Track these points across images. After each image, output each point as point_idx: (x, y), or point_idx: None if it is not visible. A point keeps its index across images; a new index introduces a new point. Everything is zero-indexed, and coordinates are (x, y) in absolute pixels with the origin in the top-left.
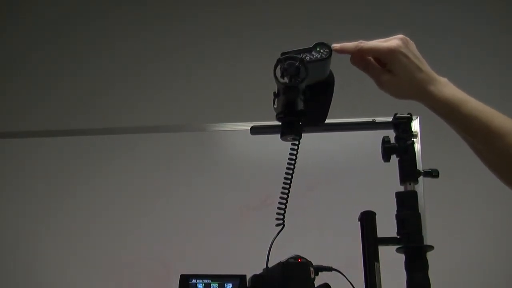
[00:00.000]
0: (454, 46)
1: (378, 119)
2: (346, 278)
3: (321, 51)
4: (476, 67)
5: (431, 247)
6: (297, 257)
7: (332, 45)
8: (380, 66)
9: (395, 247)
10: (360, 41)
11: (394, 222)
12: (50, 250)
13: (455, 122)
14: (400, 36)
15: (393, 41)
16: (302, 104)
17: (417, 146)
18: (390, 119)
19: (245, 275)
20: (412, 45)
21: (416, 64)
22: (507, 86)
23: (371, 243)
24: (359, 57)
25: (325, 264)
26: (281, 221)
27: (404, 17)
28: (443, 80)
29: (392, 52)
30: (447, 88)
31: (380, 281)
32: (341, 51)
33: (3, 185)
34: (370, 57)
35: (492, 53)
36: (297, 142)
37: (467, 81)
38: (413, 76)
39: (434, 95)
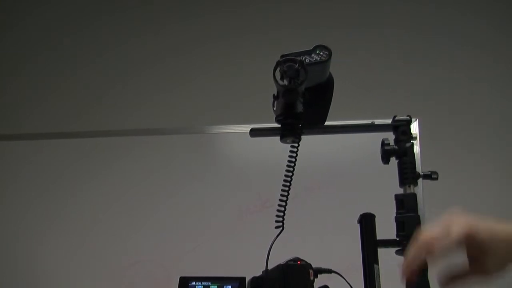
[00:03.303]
0: (454, 45)
1: (378, 121)
2: (346, 280)
3: (321, 53)
4: (476, 66)
5: None
6: (296, 259)
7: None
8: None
9: (395, 249)
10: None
11: (393, 224)
12: (50, 251)
13: None
14: (452, 217)
15: (454, 229)
16: (302, 107)
17: (417, 148)
18: (389, 121)
19: (245, 277)
20: (462, 212)
21: (489, 236)
22: (508, 86)
23: (370, 245)
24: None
25: (324, 266)
26: (281, 224)
27: (404, 17)
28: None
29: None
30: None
31: (380, 283)
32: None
33: (4, 187)
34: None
35: (492, 53)
36: (296, 145)
37: (467, 81)
38: (498, 248)
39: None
